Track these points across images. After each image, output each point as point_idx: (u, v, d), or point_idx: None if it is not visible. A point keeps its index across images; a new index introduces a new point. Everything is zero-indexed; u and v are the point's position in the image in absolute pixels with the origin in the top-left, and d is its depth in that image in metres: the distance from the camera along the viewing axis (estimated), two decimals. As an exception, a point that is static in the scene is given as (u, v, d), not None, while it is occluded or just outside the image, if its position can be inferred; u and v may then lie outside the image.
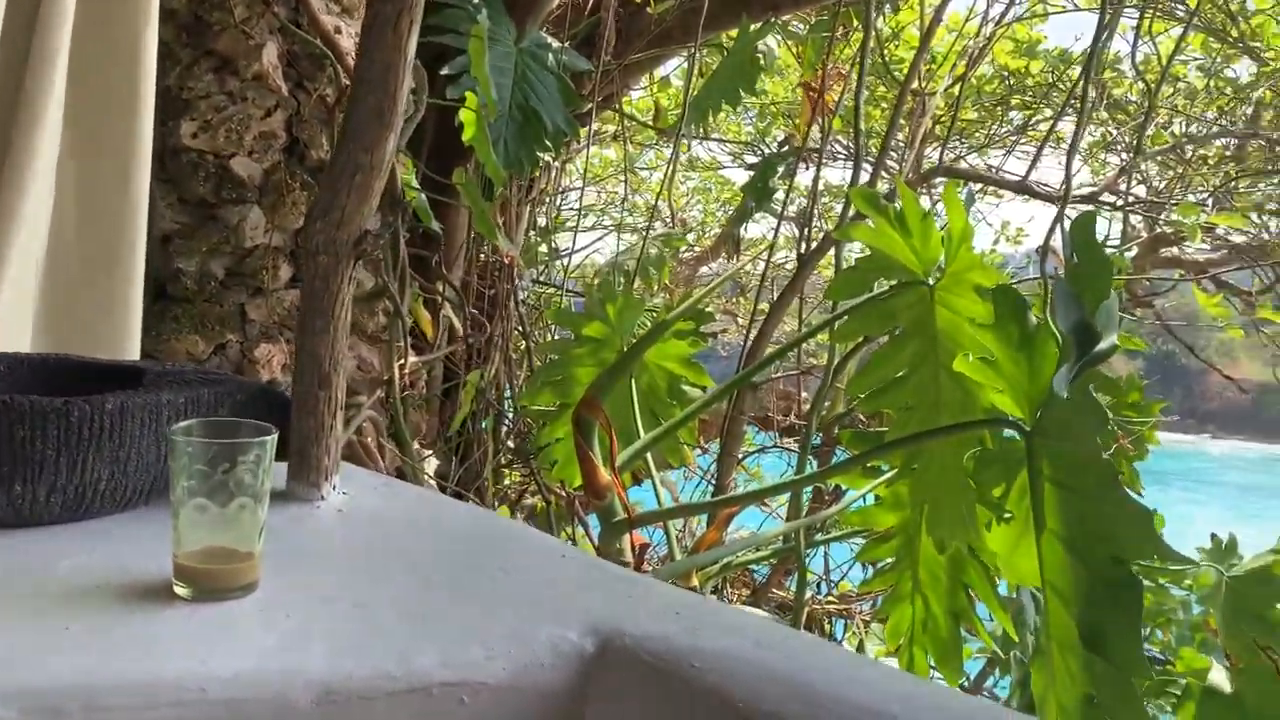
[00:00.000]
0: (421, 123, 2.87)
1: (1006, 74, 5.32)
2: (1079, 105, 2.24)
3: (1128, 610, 0.78)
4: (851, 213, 2.34)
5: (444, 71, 2.27)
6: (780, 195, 3.44)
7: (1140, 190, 5.35)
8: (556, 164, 3.84)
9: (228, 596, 0.71)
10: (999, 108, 5.71)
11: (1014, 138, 5.68)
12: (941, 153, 3.13)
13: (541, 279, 4.23)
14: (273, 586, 0.73)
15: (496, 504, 2.93)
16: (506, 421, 3.35)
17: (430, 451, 2.37)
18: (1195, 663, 2.47)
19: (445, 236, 2.81)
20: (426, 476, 2.20)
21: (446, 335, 2.64)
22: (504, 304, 3.09)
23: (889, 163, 3.63)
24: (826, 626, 2.91)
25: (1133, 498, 0.79)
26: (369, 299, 1.97)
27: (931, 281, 1.52)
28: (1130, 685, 0.78)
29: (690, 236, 7.06)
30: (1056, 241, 2.13)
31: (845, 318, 1.63)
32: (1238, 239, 5.71)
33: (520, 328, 3.27)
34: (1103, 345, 0.84)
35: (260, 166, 1.98)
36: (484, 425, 2.84)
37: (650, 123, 4.12)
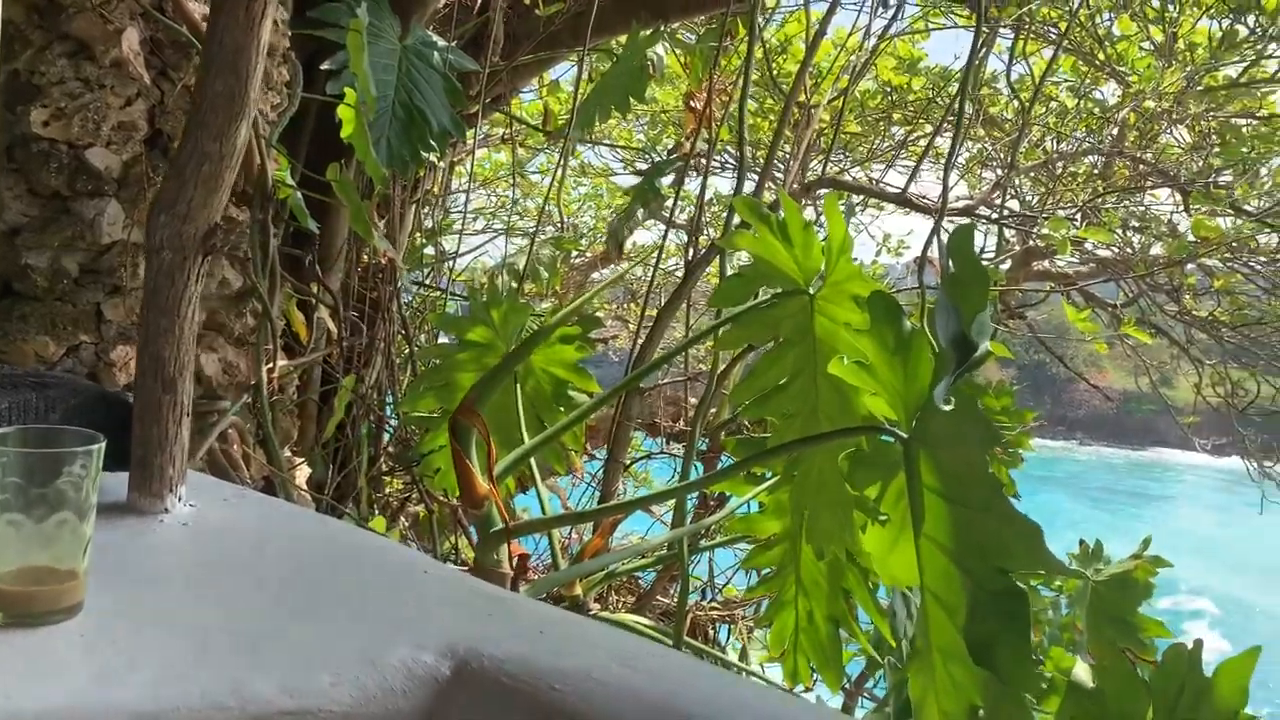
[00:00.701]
0: (302, 119, 2.77)
1: (890, 89, 5.46)
2: (955, 121, 2.30)
3: (1016, 623, 0.78)
4: (736, 221, 2.35)
5: (324, 66, 2.19)
6: (669, 202, 3.45)
7: (1014, 204, 5.56)
8: (443, 165, 3.77)
9: (46, 621, 0.64)
10: (882, 122, 5.86)
11: (895, 152, 5.85)
12: (825, 164, 3.18)
13: (428, 281, 4.15)
14: (99, 609, 0.67)
15: (375, 513, 2.84)
16: (389, 428, 3.26)
17: (303, 460, 2.28)
18: (1063, 662, 2.55)
19: (324, 236, 2.72)
20: (298, 486, 2.11)
21: (324, 338, 2.55)
22: (386, 307, 3.00)
23: (775, 173, 3.67)
24: (711, 632, 2.91)
25: (1019, 511, 0.79)
26: (236, 299, 1.88)
27: (812, 291, 1.52)
28: (1020, 699, 0.78)
29: (583, 242, 7.05)
30: (934, 253, 2.17)
31: (728, 326, 1.62)
32: (1104, 253, 5.99)
33: (403, 331, 3.19)
34: (980, 351, 0.84)
35: (119, 158, 1.86)
36: (362, 431, 2.75)
37: (540, 126, 4.07)
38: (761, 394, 1.65)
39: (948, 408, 0.80)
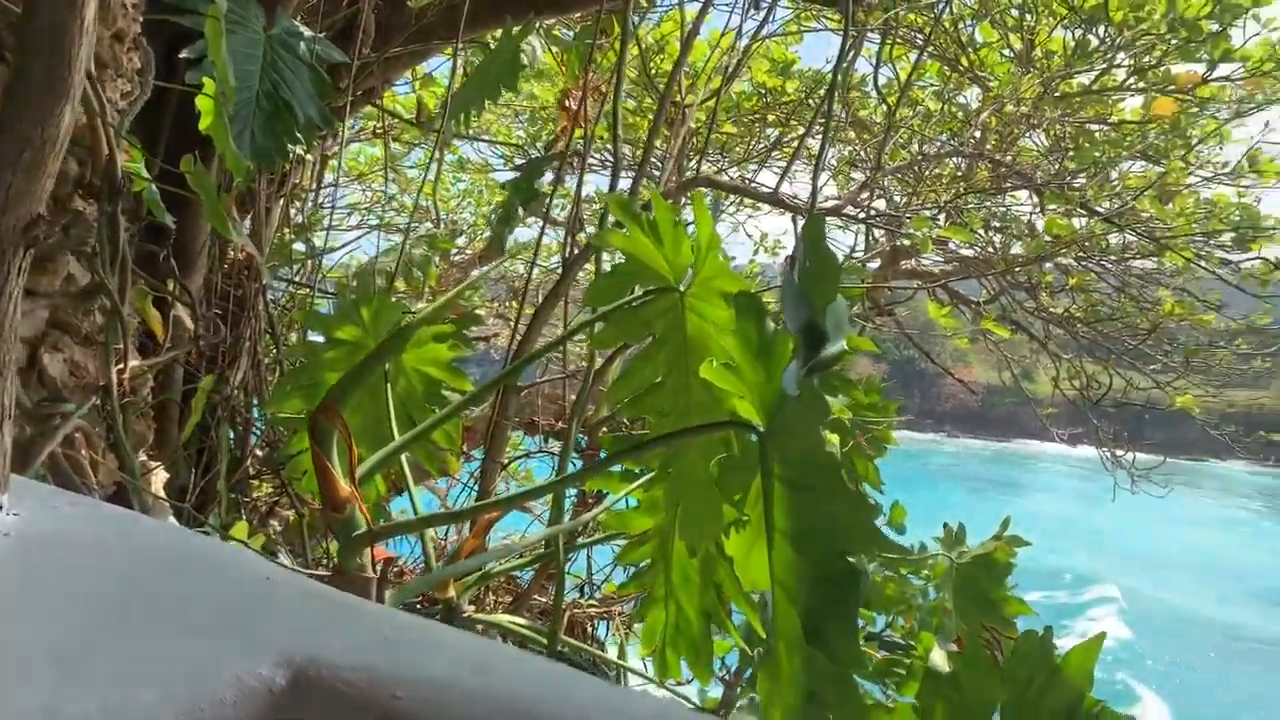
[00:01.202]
0: (162, 109, 2.64)
1: (764, 91, 5.57)
2: (825, 123, 2.35)
3: (847, 604, 0.79)
4: (611, 220, 2.35)
5: (183, 54, 2.10)
6: (548, 199, 3.43)
7: (881, 204, 5.74)
8: (313, 158, 3.66)
9: None
10: (757, 124, 5.97)
11: (769, 152, 5.96)
12: (699, 163, 3.21)
13: (298, 278, 4.02)
14: (-100, 630, 0.61)
15: (238, 518, 2.74)
16: (256, 430, 3.15)
17: (159, 464, 2.17)
18: (933, 647, 2.64)
19: (184, 231, 2.60)
20: (153, 493, 2.01)
21: (183, 337, 2.44)
22: (252, 304, 2.90)
23: (654, 171, 3.69)
24: (590, 629, 2.91)
25: (855, 491, 0.81)
26: (83, 296, 1.78)
27: (683, 288, 1.53)
28: (850, 680, 0.79)
29: (462, 240, 6.95)
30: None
31: (600, 324, 1.62)
32: (967, 252, 6.23)
33: (270, 330, 3.08)
34: (832, 348, 0.85)
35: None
36: (225, 434, 2.65)
37: (414, 120, 4.00)
38: (636, 392, 1.65)
39: (796, 394, 0.81)
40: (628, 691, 0.61)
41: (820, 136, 5.20)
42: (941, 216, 4.78)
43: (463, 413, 2.41)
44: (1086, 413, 6.47)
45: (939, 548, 3.67)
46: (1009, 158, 4.78)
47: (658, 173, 3.99)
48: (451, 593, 2.12)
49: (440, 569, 1.94)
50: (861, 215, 2.90)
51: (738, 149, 6.15)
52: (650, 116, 4.79)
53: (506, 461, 3.14)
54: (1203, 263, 4.85)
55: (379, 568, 1.48)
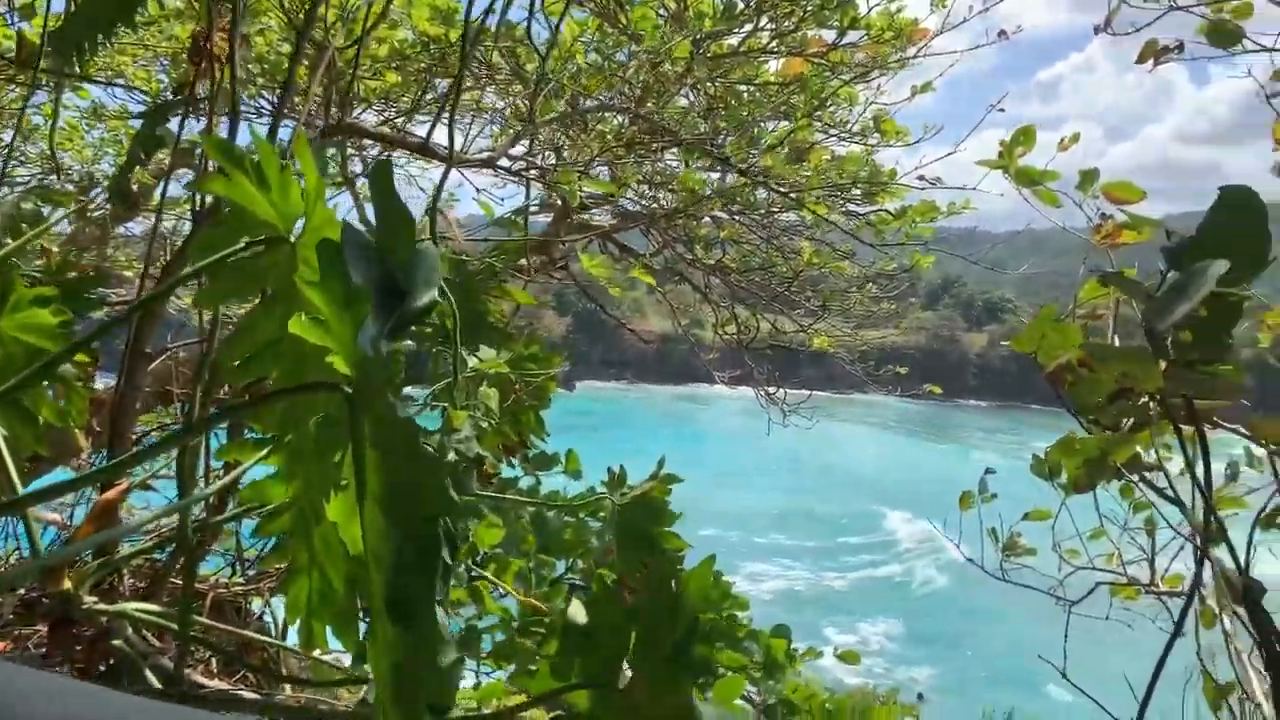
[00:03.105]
0: None
1: (428, 40, 5.40)
2: (458, 71, 2.30)
3: (428, 574, 0.77)
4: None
5: None
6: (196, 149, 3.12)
7: (552, 159, 5.79)
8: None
9: None
10: (424, 73, 5.79)
11: (443, 104, 5.81)
12: (343, 110, 3.05)
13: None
14: None
15: None
16: None
17: None
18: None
19: None
20: None
21: None
22: None
23: (304, 119, 3.47)
24: (243, 607, 2.74)
25: (429, 451, 0.78)
26: None
27: (293, 239, 1.43)
28: (432, 653, 0.77)
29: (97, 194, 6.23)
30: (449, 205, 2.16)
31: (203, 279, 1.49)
32: (633, 207, 6.45)
33: None
34: (418, 301, 0.81)
35: None
36: None
37: (13, 57, 3.49)
38: (253, 351, 1.54)
39: (373, 353, 0.76)
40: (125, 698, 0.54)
41: (473, 87, 5.14)
42: (606, 172, 4.90)
43: (88, 385, 2.16)
44: (744, 356, 6.95)
45: (602, 489, 3.79)
46: (664, 115, 4.96)
47: (313, 120, 3.76)
48: (67, 584, 1.91)
49: (38, 559, 1.72)
50: (513, 168, 2.89)
51: (404, 99, 5.95)
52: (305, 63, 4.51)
53: (137, 435, 2.85)
54: (833, 215, 5.31)
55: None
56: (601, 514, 3.66)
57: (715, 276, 6.06)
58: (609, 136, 5.16)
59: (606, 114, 5.40)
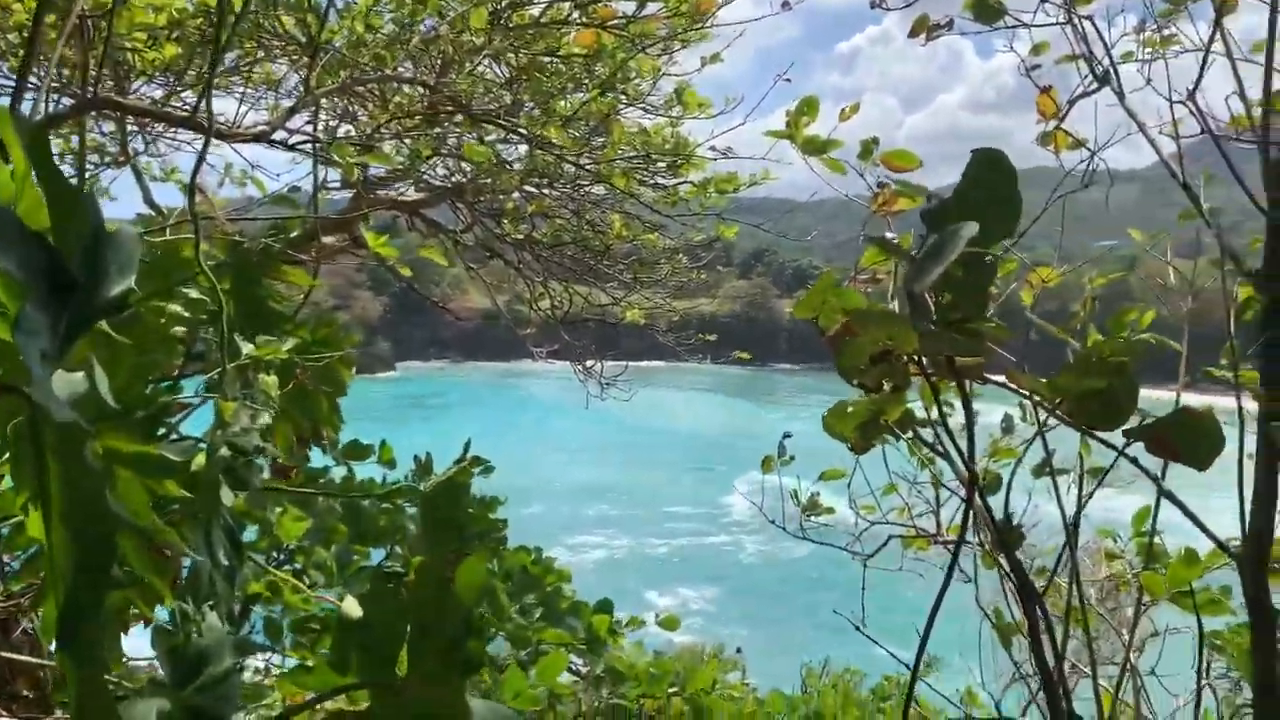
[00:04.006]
0: None
1: (208, 10, 5.06)
2: (267, 43, 2.15)
3: (95, 592, 0.70)
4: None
5: None
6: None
7: (350, 131, 5.55)
8: None
9: None
10: (204, 44, 5.43)
11: (235, 75, 5.48)
12: (119, 83, 2.80)
13: None
14: None
15: None
16: None
17: None
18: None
19: None
20: None
21: None
22: None
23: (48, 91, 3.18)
24: (11, 626, 2.51)
25: (89, 462, 0.70)
26: None
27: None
28: (99, 681, 0.70)
29: None
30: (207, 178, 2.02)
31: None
32: (440, 182, 6.28)
33: None
34: (111, 290, 0.73)
35: None
36: None
37: None
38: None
39: (40, 354, 0.68)
40: None
41: (265, 59, 4.87)
42: (406, 149, 4.73)
43: None
44: (560, 330, 6.93)
45: (411, 478, 3.69)
46: (458, 88, 4.84)
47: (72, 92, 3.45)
48: None
49: None
50: (290, 142, 2.73)
51: (191, 72, 5.56)
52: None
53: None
54: (641, 188, 5.34)
55: None
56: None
57: (526, 252, 6.00)
58: (393, 108, 4.98)
59: (411, 87, 5.23)
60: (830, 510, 3.05)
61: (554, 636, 3.73)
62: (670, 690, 3.26)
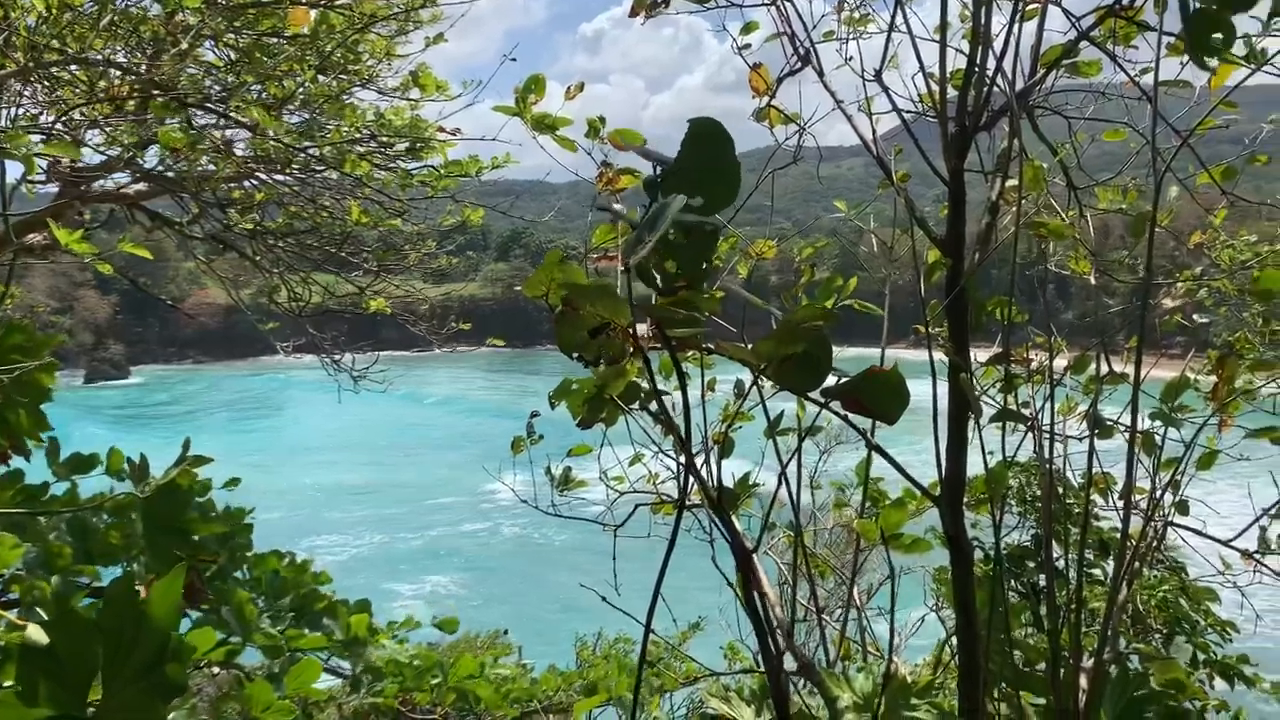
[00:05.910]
0: None
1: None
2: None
3: None
4: None
5: None
6: None
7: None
8: None
9: None
10: None
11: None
12: None
13: None
14: None
15: None
16: None
17: None
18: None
19: None
20: None
21: None
22: None
23: None
24: None
25: None
26: None
27: None
28: None
29: None
30: None
31: None
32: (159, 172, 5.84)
33: None
34: None
35: None
36: None
37: None
38: None
39: None
40: None
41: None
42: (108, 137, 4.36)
43: None
44: (305, 324, 6.63)
45: (127, 481, 3.43)
46: (171, 71, 4.51)
47: None
48: None
49: None
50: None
51: None
52: None
53: None
54: (380, 173, 5.19)
55: None
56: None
57: (258, 242, 5.70)
58: (100, 94, 4.58)
59: (120, 73, 4.81)
60: (583, 484, 3.10)
61: (309, 642, 3.61)
62: (434, 681, 3.22)
